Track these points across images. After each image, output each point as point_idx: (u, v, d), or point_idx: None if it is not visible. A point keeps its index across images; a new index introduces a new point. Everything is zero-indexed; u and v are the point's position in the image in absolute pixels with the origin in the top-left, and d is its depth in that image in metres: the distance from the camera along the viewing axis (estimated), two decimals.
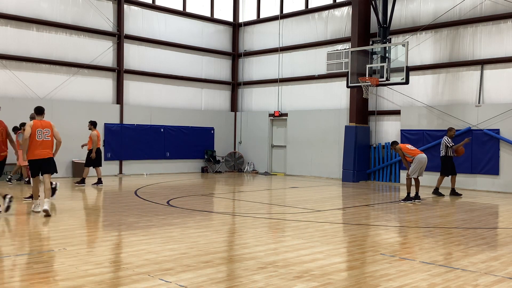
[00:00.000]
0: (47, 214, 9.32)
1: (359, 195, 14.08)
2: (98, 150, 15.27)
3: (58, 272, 5.57)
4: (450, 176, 13.99)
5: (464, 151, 13.96)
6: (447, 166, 13.82)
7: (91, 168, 15.26)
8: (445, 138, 13.81)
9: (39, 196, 10.08)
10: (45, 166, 9.88)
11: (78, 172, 17.70)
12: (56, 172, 10.41)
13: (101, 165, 15.50)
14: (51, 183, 10.75)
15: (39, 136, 9.78)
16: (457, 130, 16.07)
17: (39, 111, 10.15)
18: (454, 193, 13.91)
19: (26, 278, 5.33)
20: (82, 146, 15.93)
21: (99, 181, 15.03)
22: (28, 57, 17.11)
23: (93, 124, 15.30)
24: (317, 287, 5.21)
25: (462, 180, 15.84)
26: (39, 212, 9.72)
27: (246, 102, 23.24)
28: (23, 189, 13.67)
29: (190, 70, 21.75)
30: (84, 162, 15.48)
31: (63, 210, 10.64)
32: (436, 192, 13.96)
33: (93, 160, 15.11)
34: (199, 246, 7.06)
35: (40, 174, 9.97)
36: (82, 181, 15.01)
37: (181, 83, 21.50)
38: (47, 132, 9.91)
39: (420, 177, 12.75)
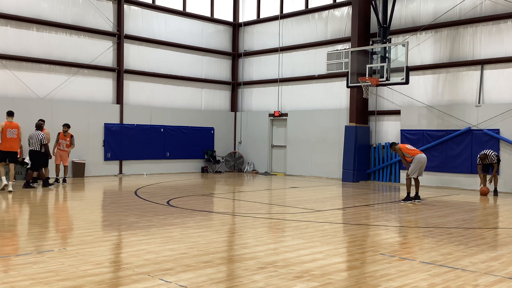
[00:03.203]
0: (10, 192, 12.60)
1: (359, 195, 14.07)
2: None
3: (58, 272, 5.56)
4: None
5: (484, 191, 14.11)
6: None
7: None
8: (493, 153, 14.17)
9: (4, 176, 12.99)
10: (11, 157, 13.20)
11: (78, 172, 17.73)
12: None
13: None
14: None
15: (9, 134, 13.00)
16: (457, 130, 16.12)
17: (11, 113, 13.23)
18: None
19: (26, 278, 5.33)
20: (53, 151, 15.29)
21: (34, 181, 14.46)
22: (28, 57, 17.10)
23: (43, 122, 14.75)
24: (317, 287, 5.21)
25: (462, 180, 15.85)
26: (3, 188, 12.84)
27: (246, 102, 23.23)
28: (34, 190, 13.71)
29: (190, 70, 21.75)
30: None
31: (63, 210, 10.67)
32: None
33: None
34: (199, 246, 7.06)
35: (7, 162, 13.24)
36: (47, 183, 14.53)
37: (181, 83, 21.50)
38: (14, 131, 13.11)
39: (420, 177, 12.76)
